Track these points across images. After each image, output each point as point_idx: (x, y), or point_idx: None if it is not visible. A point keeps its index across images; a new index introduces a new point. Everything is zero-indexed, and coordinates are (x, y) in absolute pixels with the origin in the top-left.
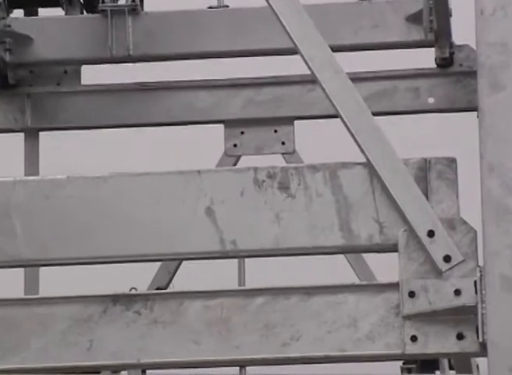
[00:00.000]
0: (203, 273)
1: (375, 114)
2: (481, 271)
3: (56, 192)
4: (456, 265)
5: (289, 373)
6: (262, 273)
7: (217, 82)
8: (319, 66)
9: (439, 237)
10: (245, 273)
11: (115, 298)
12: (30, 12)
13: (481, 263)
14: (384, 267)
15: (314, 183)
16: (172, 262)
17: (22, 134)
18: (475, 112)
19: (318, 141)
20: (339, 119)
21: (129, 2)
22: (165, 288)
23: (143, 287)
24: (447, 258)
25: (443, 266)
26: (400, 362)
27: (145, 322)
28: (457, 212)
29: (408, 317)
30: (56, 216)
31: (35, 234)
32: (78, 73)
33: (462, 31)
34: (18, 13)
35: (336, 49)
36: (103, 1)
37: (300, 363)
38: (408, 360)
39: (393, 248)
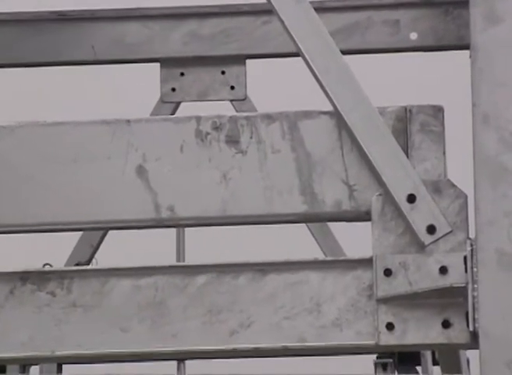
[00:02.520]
0: (133, 246)
1: (344, 52)
2: (472, 244)
3: None
4: (442, 237)
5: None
6: (206, 246)
7: (152, 11)
8: None
9: (421, 203)
10: (185, 246)
11: (25, 276)
12: None
13: (472, 235)
14: (354, 240)
15: (270, 137)
16: (95, 232)
17: None
18: (467, 51)
19: (274, 86)
20: (300, 59)
21: None
22: (87, 264)
23: (59, 264)
24: (431, 229)
25: (426, 239)
26: (374, 356)
27: (61, 305)
28: (444, 172)
29: (383, 300)
30: None
31: None
32: None
33: None
34: None
35: None
36: None
37: (251, 356)
38: (383, 353)
39: (366, 217)
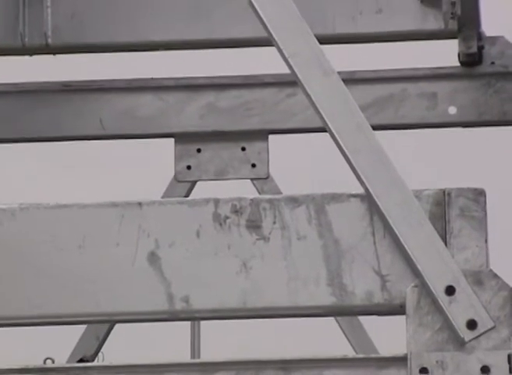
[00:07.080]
0: (143, 340)
1: (376, 128)
2: None
3: None
4: (483, 333)
5: None
6: (224, 341)
7: (165, 82)
8: (303, 63)
9: (460, 296)
10: (200, 340)
11: (25, 373)
12: None
13: None
14: (387, 335)
15: (295, 222)
16: (101, 325)
17: None
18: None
19: (299, 164)
20: (327, 135)
21: None
22: (92, 360)
23: (61, 358)
24: (472, 324)
25: (466, 335)
26: None
27: None
28: (486, 262)
29: None
30: None
31: None
32: None
33: (495, 19)
34: None
35: (326, 41)
36: None
37: None
38: None
39: (400, 310)
